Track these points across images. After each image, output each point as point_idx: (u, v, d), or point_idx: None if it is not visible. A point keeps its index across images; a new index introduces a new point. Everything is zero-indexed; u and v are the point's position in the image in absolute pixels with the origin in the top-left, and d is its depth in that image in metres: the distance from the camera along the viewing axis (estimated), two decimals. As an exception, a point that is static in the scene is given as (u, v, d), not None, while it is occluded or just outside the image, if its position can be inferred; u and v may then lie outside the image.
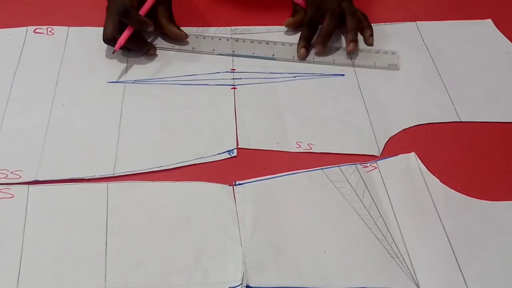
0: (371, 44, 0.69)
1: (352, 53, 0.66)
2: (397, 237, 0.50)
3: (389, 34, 0.71)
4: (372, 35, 0.69)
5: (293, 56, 0.66)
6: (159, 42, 0.67)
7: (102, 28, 0.62)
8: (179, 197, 0.52)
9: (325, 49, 0.66)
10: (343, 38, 0.70)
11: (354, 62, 0.66)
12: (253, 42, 0.67)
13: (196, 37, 0.67)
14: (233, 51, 0.66)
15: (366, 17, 0.71)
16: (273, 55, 0.66)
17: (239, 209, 0.51)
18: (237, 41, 0.67)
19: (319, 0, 0.68)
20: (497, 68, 0.67)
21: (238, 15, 0.72)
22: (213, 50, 0.66)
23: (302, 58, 0.66)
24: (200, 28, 0.69)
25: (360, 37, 0.70)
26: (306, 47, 0.66)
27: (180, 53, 0.66)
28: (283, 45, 0.67)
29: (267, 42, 0.67)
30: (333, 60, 0.65)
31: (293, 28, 0.70)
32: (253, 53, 0.66)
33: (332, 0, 0.68)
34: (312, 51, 0.67)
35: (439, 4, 0.77)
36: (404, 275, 0.48)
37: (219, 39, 0.67)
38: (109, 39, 0.62)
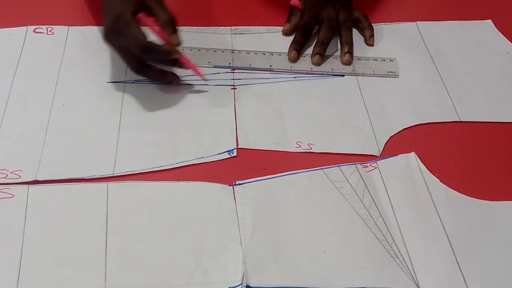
0: (371, 45, 0.69)
1: (348, 64, 0.66)
2: (397, 237, 0.50)
3: (389, 34, 0.71)
4: (372, 35, 0.69)
5: (291, 67, 0.66)
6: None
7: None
8: (179, 197, 0.52)
9: (323, 59, 0.66)
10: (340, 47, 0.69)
11: (353, 70, 0.65)
12: (249, 53, 0.66)
13: (191, 50, 0.66)
14: (230, 63, 0.65)
15: (366, 17, 0.70)
16: (271, 65, 0.65)
17: (239, 209, 0.51)
18: (233, 52, 0.66)
19: (317, 7, 0.68)
20: (497, 68, 0.67)
21: (238, 15, 0.72)
22: (209, 62, 0.65)
23: (292, 60, 0.66)
24: (200, 27, 0.69)
25: (360, 39, 0.70)
26: (297, 50, 0.66)
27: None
28: (280, 55, 0.66)
29: (264, 53, 0.67)
30: (331, 69, 0.65)
31: (291, 34, 0.69)
32: (250, 65, 0.65)
33: (330, 9, 0.68)
34: (310, 61, 0.66)
35: (439, 4, 0.77)
36: (404, 275, 0.47)
37: (214, 51, 0.66)
38: (140, 72, 0.60)
